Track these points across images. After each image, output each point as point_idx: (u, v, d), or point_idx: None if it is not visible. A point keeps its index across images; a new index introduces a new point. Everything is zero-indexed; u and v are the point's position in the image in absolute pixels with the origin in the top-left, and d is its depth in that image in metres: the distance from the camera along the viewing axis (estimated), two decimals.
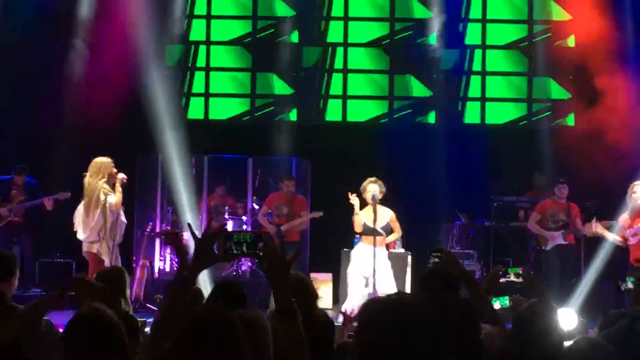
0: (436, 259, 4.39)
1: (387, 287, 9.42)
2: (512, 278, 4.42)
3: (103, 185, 9.11)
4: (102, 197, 9.08)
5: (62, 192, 10.93)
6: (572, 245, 11.16)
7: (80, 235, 9.22)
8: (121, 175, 9.19)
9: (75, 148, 11.83)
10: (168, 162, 12.28)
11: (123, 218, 9.33)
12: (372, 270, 9.47)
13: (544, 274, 10.89)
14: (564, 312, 6.29)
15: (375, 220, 9.60)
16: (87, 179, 9.16)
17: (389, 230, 9.88)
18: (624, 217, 9.84)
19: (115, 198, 9.12)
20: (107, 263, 8.95)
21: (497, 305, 4.48)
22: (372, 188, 9.73)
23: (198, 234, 3.39)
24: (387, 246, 10.11)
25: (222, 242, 3.32)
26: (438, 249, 4.53)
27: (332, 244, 11.31)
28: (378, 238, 9.63)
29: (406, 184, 12.07)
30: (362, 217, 9.73)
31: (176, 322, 3.09)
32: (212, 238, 3.30)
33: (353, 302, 9.39)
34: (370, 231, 9.64)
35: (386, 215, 9.83)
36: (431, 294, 3.77)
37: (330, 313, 10.74)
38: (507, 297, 4.54)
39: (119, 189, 9.15)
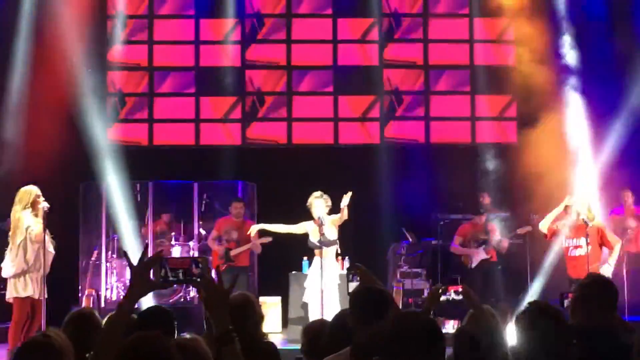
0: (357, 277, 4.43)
1: (331, 304, 9.45)
2: (453, 296, 4.44)
3: (23, 215, 8.79)
4: (24, 227, 8.78)
5: None
6: (495, 261, 11.59)
7: (7, 270, 8.88)
8: (43, 205, 8.75)
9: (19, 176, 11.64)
10: (112, 189, 12.13)
11: (50, 249, 8.87)
12: (321, 286, 9.54)
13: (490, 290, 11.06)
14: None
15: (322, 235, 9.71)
16: (13, 209, 8.90)
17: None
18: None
19: (37, 228, 8.76)
20: (36, 295, 8.73)
21: None
22: (318, 204, 9.80)
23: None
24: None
25: (158, 269, 3.28)
26: (353, 266, 4.57)
27: (280, 268, 11.25)
28: (330, 250, 9.79)
29: (353, 204, 12.09)
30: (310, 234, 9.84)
31: (112, 352, 3.04)
32: (148, 265, 3.25)
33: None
34: (317, 247, 9.74)
35: (331, 227, 9.89)
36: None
37: (279, 336, 10.70)
38: None
39: (39, 219, 8.75)
